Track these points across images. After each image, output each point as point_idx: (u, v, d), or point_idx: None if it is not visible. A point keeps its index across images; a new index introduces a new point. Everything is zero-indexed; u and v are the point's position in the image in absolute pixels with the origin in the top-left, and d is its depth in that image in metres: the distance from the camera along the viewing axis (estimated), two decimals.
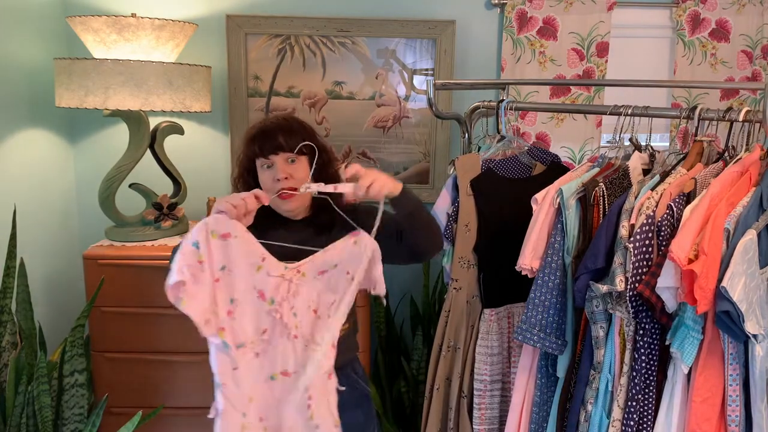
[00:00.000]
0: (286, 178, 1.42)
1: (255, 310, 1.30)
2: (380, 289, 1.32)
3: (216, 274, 1.26)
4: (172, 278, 1.20)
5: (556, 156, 1.98)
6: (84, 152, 2.46)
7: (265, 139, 1.43)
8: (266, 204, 1.33)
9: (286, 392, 1.30)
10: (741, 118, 1.47)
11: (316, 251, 1.33)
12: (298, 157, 1.44)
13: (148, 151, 2.19)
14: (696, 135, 1.57)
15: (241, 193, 1.31)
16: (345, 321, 1.34)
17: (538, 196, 1.62)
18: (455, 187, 1.91)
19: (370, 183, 1.30)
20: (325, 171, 1.48)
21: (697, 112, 1.55)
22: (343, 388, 1.34)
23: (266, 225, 1.41)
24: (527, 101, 2.37)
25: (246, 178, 1.48)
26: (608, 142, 1.77)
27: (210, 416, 1.28)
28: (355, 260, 1.31)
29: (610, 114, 1.69)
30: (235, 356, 1.27)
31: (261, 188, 1.42)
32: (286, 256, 1.32)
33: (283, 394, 1.31)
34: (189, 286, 1.21)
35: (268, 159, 1.43)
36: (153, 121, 2.24)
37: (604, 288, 1.41)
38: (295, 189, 1.40)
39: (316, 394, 1.30)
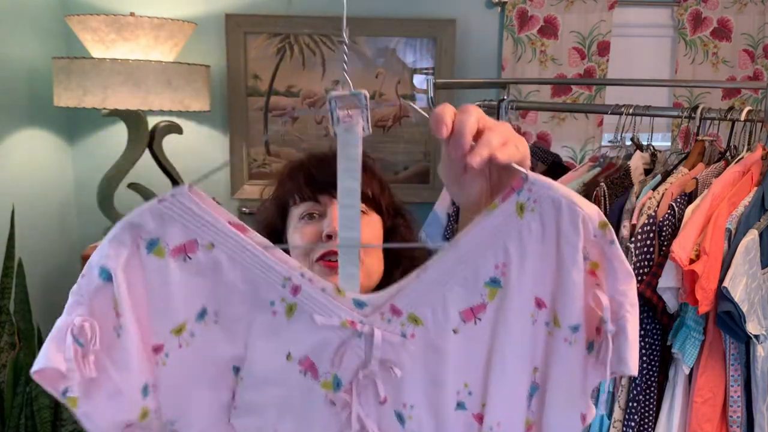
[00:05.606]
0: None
1: (299, 403, 0.65)
2: (630, 368, 0.62)
3: (180, 337, 0.64)
4: (40, 362, 0.59)
5: (557, 156, 1.97)
6: (82, 152, 2.45)
7: (323, 169, 0.88)
8: None
9: None
10: (743, 117, 1.46)
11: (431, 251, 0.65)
12: (370, 211, 0.92)
13: (147, 151, 2.19)
14: (697, 134, 1.57)
15: None
16: None
17: None
18: None
19: (503, 141, 0.61)
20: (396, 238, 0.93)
21: (698, 111, 1.54)
22: None
23: None
24: (528, 100, 2.36)
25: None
26: (609, 141, 1.77)
27: None
28: (545, 265, 0.62)
29: (612, 113, 1.68)
30: None
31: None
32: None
33: None
34: (92, 375, 0.60)
35: (318, 203, 0.89)
36: (151, 121, 2.23)
37: None
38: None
39: None
